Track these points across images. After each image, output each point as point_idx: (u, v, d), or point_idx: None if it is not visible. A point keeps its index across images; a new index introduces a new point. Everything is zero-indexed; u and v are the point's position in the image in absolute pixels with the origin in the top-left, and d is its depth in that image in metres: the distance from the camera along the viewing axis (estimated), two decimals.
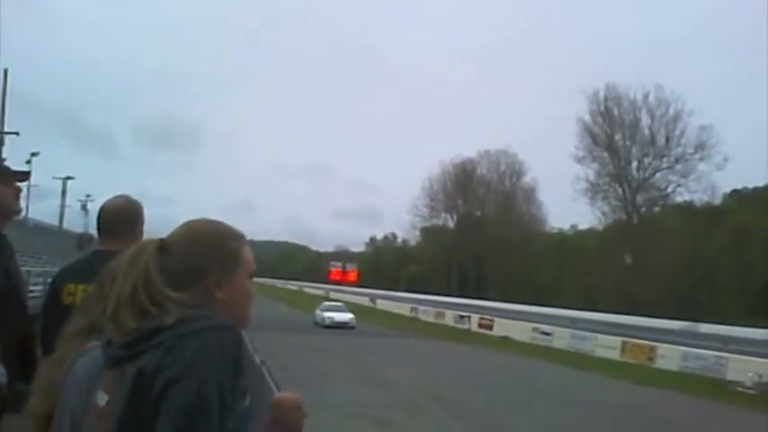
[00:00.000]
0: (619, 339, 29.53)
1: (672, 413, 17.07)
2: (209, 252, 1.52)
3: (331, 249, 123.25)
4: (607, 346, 29.38)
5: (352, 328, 37.03)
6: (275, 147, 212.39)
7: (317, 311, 40.15)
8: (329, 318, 38.13)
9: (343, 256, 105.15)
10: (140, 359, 1.37)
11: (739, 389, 20.54)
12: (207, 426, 1.31)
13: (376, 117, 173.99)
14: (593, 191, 72.48)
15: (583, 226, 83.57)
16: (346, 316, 38.76)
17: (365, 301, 59.14)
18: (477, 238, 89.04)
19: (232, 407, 1.35)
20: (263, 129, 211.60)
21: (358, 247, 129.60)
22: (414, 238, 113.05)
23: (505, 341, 34.62)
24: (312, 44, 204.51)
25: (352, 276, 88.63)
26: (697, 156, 65.94)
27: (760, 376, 20.79)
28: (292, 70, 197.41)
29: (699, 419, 16.47)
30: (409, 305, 57.27)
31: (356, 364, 22.85)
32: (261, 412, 1.77)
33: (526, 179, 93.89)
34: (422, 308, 54.46)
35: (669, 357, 25.88)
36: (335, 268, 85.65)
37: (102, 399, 1.43)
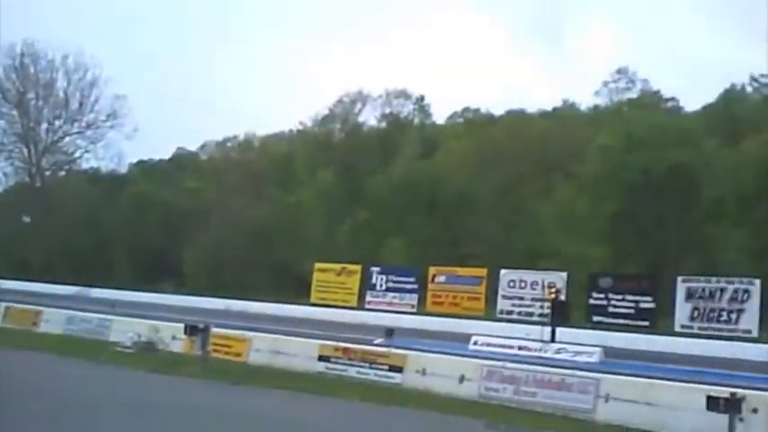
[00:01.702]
0: (2, 305, 28.05)
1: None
2: None
3: None
4: None
5: None
6: None
7: None
8: None
9: None
10: None
11: (119, 348, 21.57)
12: None
13: None
14: None
15: None
16: None
17: None
18: None
19: None
20: None
21: None
22: None
23: None
24: None
25: None
26: (108, 123, 67.01)
27: (139, 336, 22.18)
28: None
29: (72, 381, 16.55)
30: None
31: None
32: None
33: None
34: None
35: (54, 321, 25.70)
36: None
37: None
